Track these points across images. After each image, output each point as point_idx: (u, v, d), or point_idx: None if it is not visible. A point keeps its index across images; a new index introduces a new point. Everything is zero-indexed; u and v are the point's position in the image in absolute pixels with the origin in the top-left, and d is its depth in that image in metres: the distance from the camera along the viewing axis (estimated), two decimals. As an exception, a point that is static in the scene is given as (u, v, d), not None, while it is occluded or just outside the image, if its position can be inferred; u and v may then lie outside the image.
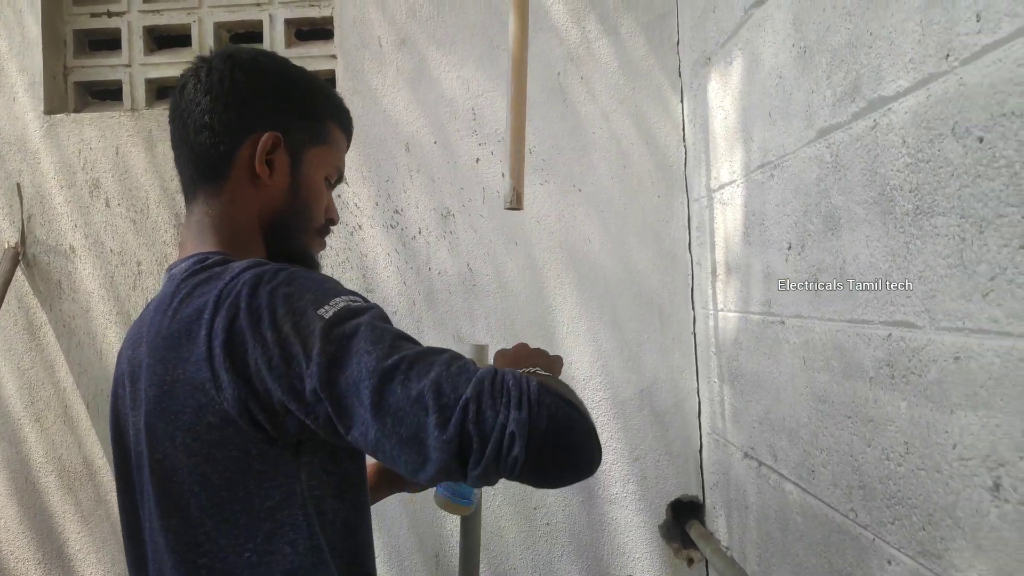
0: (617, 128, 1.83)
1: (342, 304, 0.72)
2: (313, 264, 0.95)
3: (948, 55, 0.74)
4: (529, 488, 1.79)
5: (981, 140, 0.69)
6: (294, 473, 0.75)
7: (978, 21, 0.69)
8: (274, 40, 1.93)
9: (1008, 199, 0.65)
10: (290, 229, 0.89)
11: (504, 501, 1.81)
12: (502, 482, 1.77)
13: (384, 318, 0.74)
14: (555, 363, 0.94)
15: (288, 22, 1.94)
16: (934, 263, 0.77)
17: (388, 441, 0.65)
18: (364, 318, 0.70)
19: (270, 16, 1.94)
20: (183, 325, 0.75)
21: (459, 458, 0.64)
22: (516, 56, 1.11)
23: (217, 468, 0.73)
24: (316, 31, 1.98)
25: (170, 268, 0.86)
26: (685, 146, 1.82)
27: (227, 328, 0.71)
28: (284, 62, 0.92)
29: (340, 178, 0.96)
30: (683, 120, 1.82)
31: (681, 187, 1.82)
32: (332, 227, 0.96)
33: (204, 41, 1.95)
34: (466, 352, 1.07)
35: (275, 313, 0.70)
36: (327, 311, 0.70)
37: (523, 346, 0.96)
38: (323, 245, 0.96)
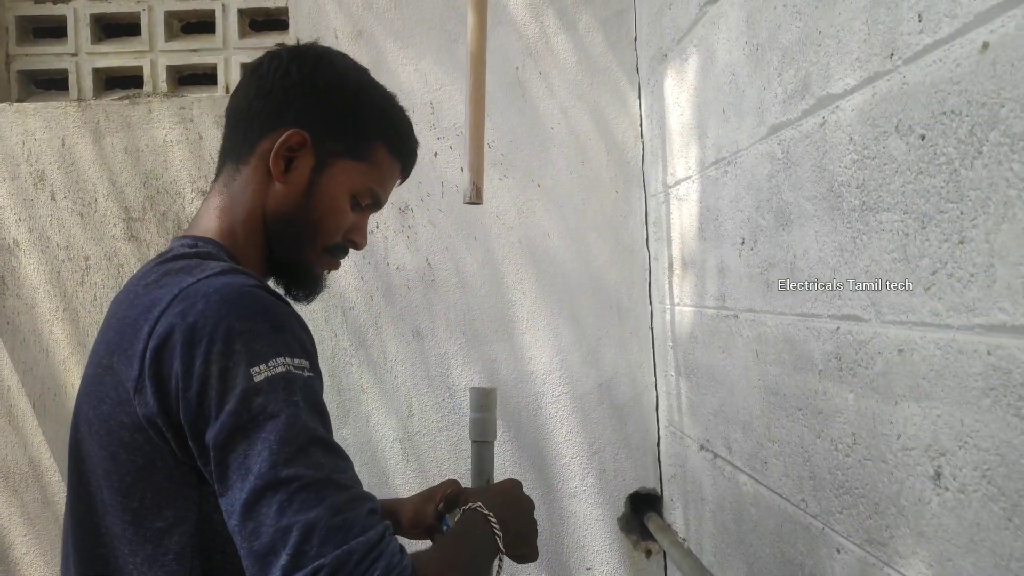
0: (576, 123, 1.84)
1: (280, 370, 0.67)
2: (312, 282, 0.90)
3: (892, 54, 0.75)
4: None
5: (923, 138, 0.70)
6: (194, 499, 0.71)
7: (920, 21, 0.70)
8: (227, 30, 1.89)
9: (948, 195, 0.67)
10: (295, 237, 0.85)
11: (463, 496, 1.81)
12: (454, 471, 1.74)
13: (314, 404, 0.69)
14: (523, 515, 0.91)
15: (241, 12, 1.90)
16: (879, 258, 0.78)
17: (240, 539, 0.63)
18: (289, 403, 0.66)
19: (223, 5, 1.90)
20: (137, 312, 0.73)
21: None
22: (474, 50, 1.11)
23: (119, 469, 0.71)
24: (271, 21, 1.95)
25: (171, 241, 0.85)
26: (643, 142, 1.83)
27: (165, 333, 0.68)
28: (351, 71, 0.88)
29: (376, 204, 0.90)
30: (640, 116, 1.84)
31: (639, 183, 1.83)
32: (352, 249, 0.92)
33: (154, 30, 1.90)
34: (473, 397, 1.05)
35: (212, 345, 0.66)
36: (260, 373, 0.66)
37: (510, 490, 0.93)
38: (335, 265, 0.92)
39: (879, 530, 0.81)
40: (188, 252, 0.80)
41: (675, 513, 1.69)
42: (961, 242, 0.66)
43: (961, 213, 0.65)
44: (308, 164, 0.84)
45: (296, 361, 0.69)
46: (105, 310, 1.77)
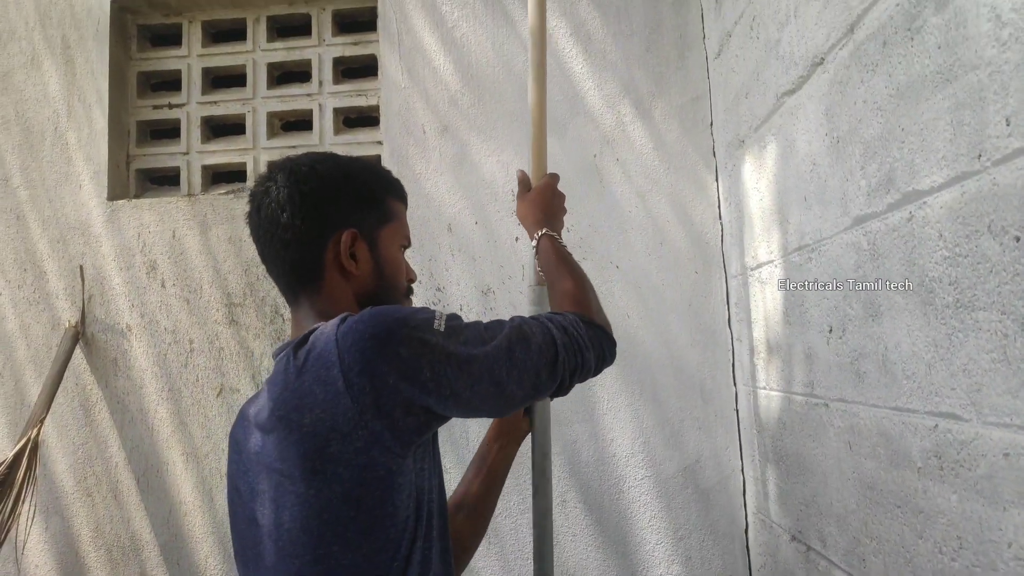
0: (653, 207, 1.87)
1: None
2: None
3: (980, 155, 0.76)
4: (569, 568, 1.77)
5: (1018, 240, 0.70)
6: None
7: (1008, 125, 0.71)
8: (323, 128, 2.03)
9: (1048, 299, 0.66)
10: (382, 303, 0.99)
11: (546, 581, 1.78)
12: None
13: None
14: (557, 202, 1.24)
15: (336, 111, 2.04)
16: (978, 357, 0.77)
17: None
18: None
19: (319, 106, 2.04)
20: (314, 373, 0.87)
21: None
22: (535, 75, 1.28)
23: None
24: (363, 118, 2.08)
25: (276, 352, 0.96)
26: (721, 224, 1.85)
27: (360, 358, 0.85)
28: (337, 162, 1.01)
29: (408, 243, 1.08)
30: (719, 199, 1.86)
31: (719, 264, 1.84)
32: (413, 285, 1.10)
33: (257, 129, 2.05)
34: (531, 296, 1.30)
35: (395, 333, 0.86)
36: (440, 323, 0.89)
37: (544, 195, 1.23)
38: (411, 302, 1.09)
39: (993, 642, 0.77)
40: (308, 334, 0.91)
41: (767, 606, 1.63)
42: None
43: (1063, 317, 0.65)
44: (365, 248, 0.99)
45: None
46: (207, 391, 1.88)
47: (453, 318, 0.91)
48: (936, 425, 0.86)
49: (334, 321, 0.88)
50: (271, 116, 2.07)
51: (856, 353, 1.07)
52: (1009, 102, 0.71)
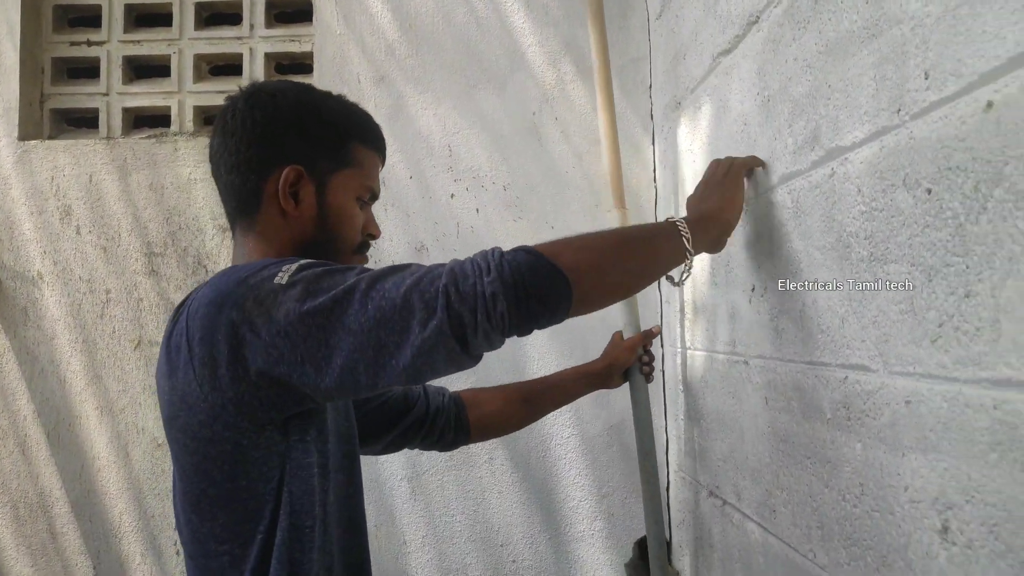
0: (590, 168, 1.86)
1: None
2: None
3: (899, 109, 0.77)
4: (494, 524, 1.78)
5: (929, 192, 0.72)
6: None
7: (926, 79, 0.72)
8: (254, 73, 1.95)
9: (954, 249, 0.68)
10: (326, 255, 0.93)
11: (469, 539, 1.79)
12: (463, 518, 1.75)
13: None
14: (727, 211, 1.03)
15: (268, 56, 1.96)
16: (887, 308, 0.79)
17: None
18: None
19: (250, 50, 1.96)
20: (177, 337, 0.85)
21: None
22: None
23: None
24: (295, 65, 2.01)
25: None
26: (656, 187, 1.85)
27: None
28: (304, 93, 0.96)
29: (374, 196, 1.00)
30: (654, 162, 1.86)
31: (652, 227, 1.85)
32: (373, 241, 1.01)
33: (183, 73, 1.96)
34: None
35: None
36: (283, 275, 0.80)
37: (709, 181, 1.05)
38: (365, 260, 1.01)
39: (888, 584, 0.80)
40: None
41: (684, 560, 1.67)
42: (967, 296, 0.66)
43: (967, 267, 0.66)
44: (311, 191, 0.93)
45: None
46: (123, 343, 1.80)
47: (305, 267, 0.79)
48: (846, 377, 0.88)
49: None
50: (198, 59, 1.98)
51: (776, 310, 1.09)
52: (929, 55, 0.71)
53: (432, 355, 0.74)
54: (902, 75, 0.76)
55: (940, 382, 0.70)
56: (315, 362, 0.75)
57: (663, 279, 1.03)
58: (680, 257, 0.93)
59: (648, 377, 1.45)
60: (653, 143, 1.86)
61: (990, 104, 0.63)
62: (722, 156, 1.32)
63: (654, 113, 1.86)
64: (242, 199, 0.93)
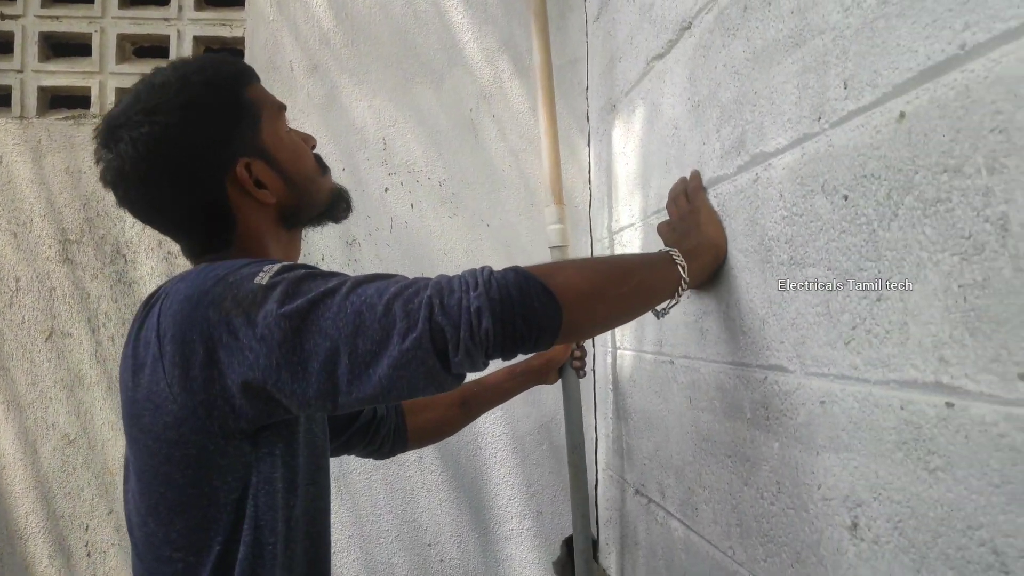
0: (526, 167, 1.87)
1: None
2: (345, 199, 1.02)
3: (820, 117, 0.79)
4: (422, 523, 1.76)
5: (846, 198, 0.74)
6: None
7: (845, 88, 0.74)
8: (182, 56, 1.88)
9: (867, 254, 0.70)
10: (306, 204, 0.93)
11: (396, 538, 1.77)
12: (391, 517, 1.73)
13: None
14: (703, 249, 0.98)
15: (197, 39, 1.89)
16: (805, 311, 0.81)
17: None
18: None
19: (178, 32, 1.89)
20: (147, 333, 0.82)
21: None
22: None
23: None
24: (226, 50, 1.94)
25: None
26: (590, 189, 1.87)
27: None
28: (172, 97, 0.85)
29: (283, 106, 0.96)
30: (589, 164, 1.88)
31: (585, 228, 1.86)
32: (314, 149, 0.99)
33: (105, 52, 1.87)
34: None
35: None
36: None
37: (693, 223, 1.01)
38: (330, 172, 1.00)
39: (800, 579, 0.82)
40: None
41: (610, 558, 1.69)
42: (879, 299, 0.68)
43: (879, 272, 0.68)
44: (264, 166, 0.88)
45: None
46: (34, 333, 1.71)
47: (288, 269, 0.75)
48: (765, 377, 0.90)
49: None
50: (122, 39, 1.89)
51: (701, 312, 1.11)
52: (848, 65, 0.73)
53: (410, 370, 0.69)
54: (823, 84, 0.78)
55: (852, 383, 0.72)
56: (291, 367, 0.71)
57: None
58: (672, 288, 0.90)
59: (579, 373, 1.46)
60: (589, 145, 1.88)
61: (902, 115, 0.65)
62: (653, 159, 1.34)
63: (590, 115, 1.87)
64: (213, 229, 0.88)
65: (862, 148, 0.71)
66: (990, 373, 0.54)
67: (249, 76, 0.93)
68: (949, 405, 0.59)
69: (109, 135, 0.85)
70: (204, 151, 0.85)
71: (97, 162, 0.87)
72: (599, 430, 1.80)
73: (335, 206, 1.00)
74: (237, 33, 1.88)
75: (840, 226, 0.75)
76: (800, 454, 0.82)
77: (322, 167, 0.98)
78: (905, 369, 0.64)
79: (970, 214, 0.57)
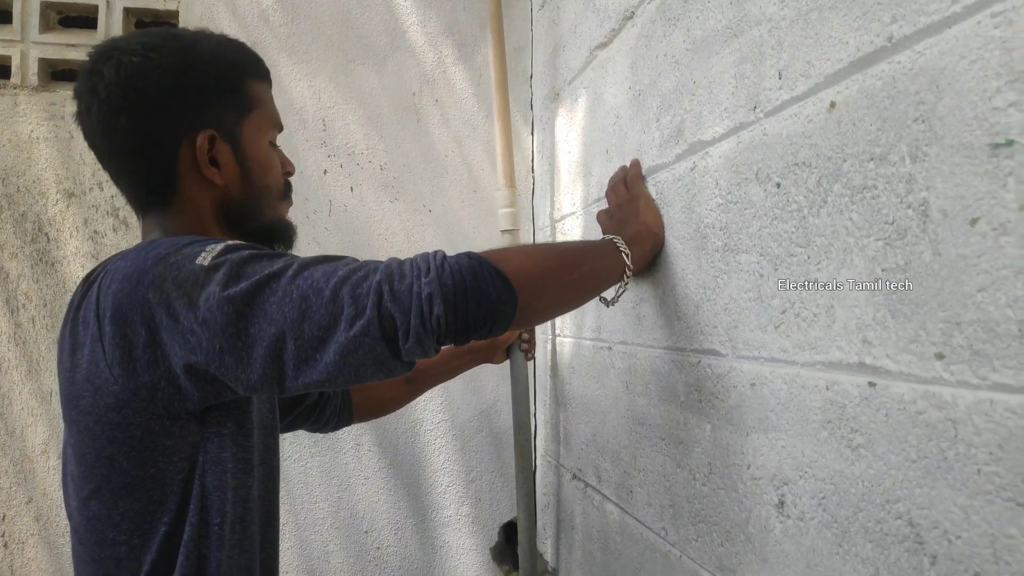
0: (469, 154, 1.86)
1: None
2: (289, 229, 0.95)
3: (756, 107, 0.81)
4: (359, 510, 1.75)
5: (778, 186, 0.76)
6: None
7: (780, 78, 0.76)
8: (110, 28, 1.80)
9: (798, 240, 0.72)
10: (259, 207, 0.88)
11: (332, 525, 1.75)
12: (327, 504, 1.70)
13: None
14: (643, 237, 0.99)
15: (128, 11, 1.81)
16: (737, 296, 0.83)
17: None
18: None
19: (107, 2, 1.81)
20: (85, 312, 0.80)
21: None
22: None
23: None
24: (158, 23, 1.87)
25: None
26: (533, 177, 1.87)
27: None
28: (177, 44, 0.84)
29: (280, 129, 0.94)
30: (532, 152, 1.88)
31: (528, 216, 1.87)
32: (290, 178, 0.96)
33: (27, 19, 1.78)
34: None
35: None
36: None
37: (631, 212, 1.03)
38: (291, 202, 0.96)
39: (729, 557, 0.84)
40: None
41: (547, 543, 1.71)
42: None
43: (808, 257, 0.71)
44: (227, 150, 0.85)
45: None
46: (-55, 315, 1.62)
47: (231, 250, 0.73)
48: (699, 361, 0.92)
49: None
50: (46, 7, 1.80)
51: (638, 298, 1.12)
52: (783, 56, 0.75)
53: (357, 356, 0.67)
54: (759, 74, 0.80)
55: (781, 365, 0.74)
56: (235, 352, 0.69)
57: (597, 299, 1.02)
58: (619, 274, 0.92)
59: (527, 355, 1.47)
60: (532, 133, 1.88)
61: (833, 104, 0.67)
62: (595, 148, 1.35)
63: (534, 103, 1.87)
64: (152, 185, 0.84)
65: (795, 137, 0.73)
66: (909, 353, 0.57)
67: (260, 73, 0.92)
68: (871, 384, 0.61)
69: (103, 52, 0.83)
70: (178, 103, 0.83)
71: (80, 74, 0.84)
72: (538, 416, 1.82)
73: (278, 233, 0.94)
74: (171, 6, 1.81)
75: (772, 213, 0.76)
76: (731, 435, 0.84)
77: (286, 191, 0.95)
78: (831, 351, 0.67)
79: (894, 200, 0.59)
